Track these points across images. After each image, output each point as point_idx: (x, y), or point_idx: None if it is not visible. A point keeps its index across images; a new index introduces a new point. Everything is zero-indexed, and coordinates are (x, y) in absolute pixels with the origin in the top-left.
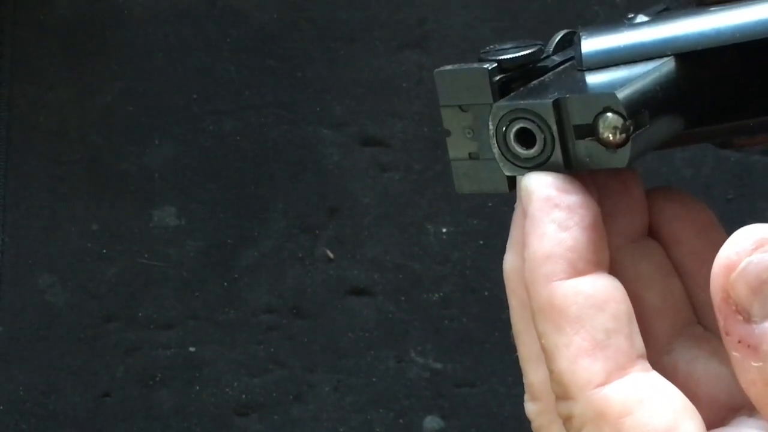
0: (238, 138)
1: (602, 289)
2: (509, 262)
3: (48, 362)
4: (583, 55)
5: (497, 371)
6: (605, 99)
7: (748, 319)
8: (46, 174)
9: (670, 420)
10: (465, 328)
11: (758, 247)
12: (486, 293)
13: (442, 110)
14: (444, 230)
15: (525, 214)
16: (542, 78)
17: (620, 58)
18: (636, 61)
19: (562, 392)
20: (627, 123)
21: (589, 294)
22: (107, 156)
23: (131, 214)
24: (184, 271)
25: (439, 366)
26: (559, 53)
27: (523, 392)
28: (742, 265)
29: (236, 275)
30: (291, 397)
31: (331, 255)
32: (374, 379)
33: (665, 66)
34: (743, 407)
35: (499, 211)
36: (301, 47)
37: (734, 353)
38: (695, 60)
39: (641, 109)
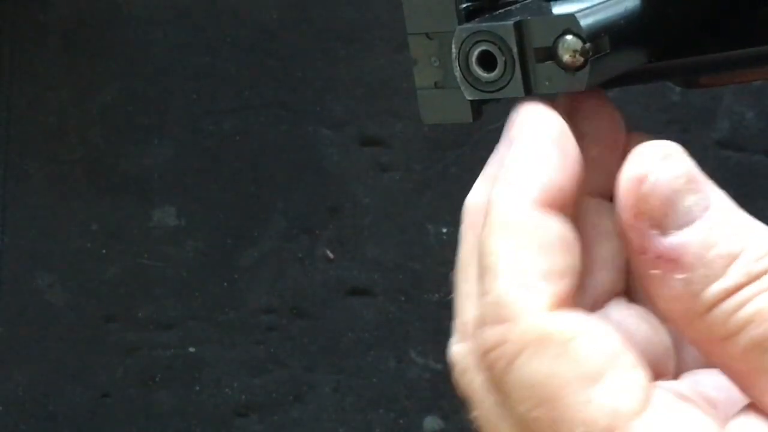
0: (238, 138)
1: (569, 229)
2: (476, 195)
3: (48, 362)
4: None
5: None
6: (565, 21)
7: (663, 232)
8: (46, 174)
9: (617, 345)
10: None
11: (664, 158)
12: None
13: (409, 38)
14: (444, 230)
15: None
16: (509, 7)
17: None
18: None
19: (499, 315)
20: (586, 46)
21: (548, 225)
22: (107, 156)
23: (131, 214)
24: (184, 271)
25: (439, 366)
26: None
27: None
28: (652, 177)
29: (236, 275)
30: (291, 397)
31: (331, 255)
32: (374, 380)
33: None
34: (671, 373)
35: None
36: (301, 47)
37: (653, 271)
38: None
39: (601, 33)
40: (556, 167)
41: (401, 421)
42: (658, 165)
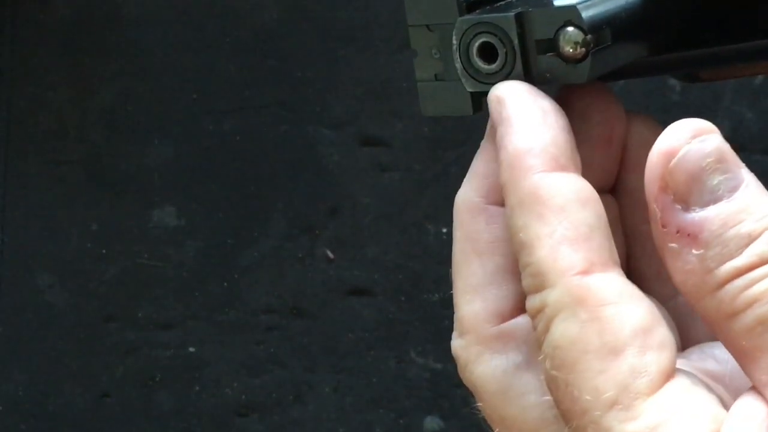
0: (238, 138)
1: (586, 187)
2: (463, 194)
3: (48, 362)
4: None
5: None
6: (566, 13)
7: (687, 207)
8: (46, 174)
9: (648, 320)
10: None
11: (696, 135)
12: None
13: (409, 30)
14: (444, 230)
15: (496, 124)
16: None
17: None
18: None
19: (537, 283)
20: (587, 38)
21: (574, 188)
22: (107, 156)
23: (131, 214)
24: (184, 271)
25: (439, 366)
26: None
27: None
28: (682, 152)
29: (236, 275)
30: (291, 397)
31: (331, 255)
32: (374, 380)
33: None
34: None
35: None
36: (301, 47)
37: (671, 245)
38: None
39: (603, 25)
40: (557, 127)
41: (401, 421)
42: (689, 141)
